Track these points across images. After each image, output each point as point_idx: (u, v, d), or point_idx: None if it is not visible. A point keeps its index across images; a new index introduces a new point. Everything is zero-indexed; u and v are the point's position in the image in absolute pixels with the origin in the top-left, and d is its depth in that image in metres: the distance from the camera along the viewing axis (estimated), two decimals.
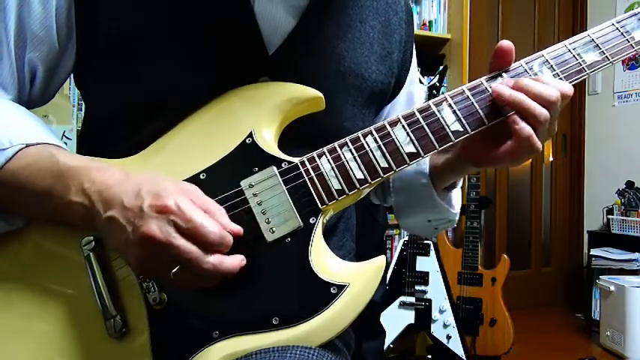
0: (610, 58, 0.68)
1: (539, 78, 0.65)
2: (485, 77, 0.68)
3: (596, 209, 3.55)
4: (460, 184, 0.86)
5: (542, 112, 0.63)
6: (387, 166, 0.64)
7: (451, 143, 0.65)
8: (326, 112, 0.68)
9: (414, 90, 0.88)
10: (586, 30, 0.69)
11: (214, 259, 0.54)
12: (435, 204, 0.82)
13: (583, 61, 0.68)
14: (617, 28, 0.69)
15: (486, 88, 0.67)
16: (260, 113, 0.66)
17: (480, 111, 0.66)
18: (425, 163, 0.81)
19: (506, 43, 0.66)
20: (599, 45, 0.68)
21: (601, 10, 3.58)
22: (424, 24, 2.85)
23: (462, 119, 0.65)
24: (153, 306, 0.60)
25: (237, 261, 0.56)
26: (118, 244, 0.57)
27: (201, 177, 0.63)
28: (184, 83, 0.67)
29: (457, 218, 0.88)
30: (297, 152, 0.65)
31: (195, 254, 0.53)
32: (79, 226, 0.61)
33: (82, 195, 0.58)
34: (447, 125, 0.65)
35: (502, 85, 0.65)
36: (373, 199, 0.96)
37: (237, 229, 0.58)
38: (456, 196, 0.87)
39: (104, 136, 0.72)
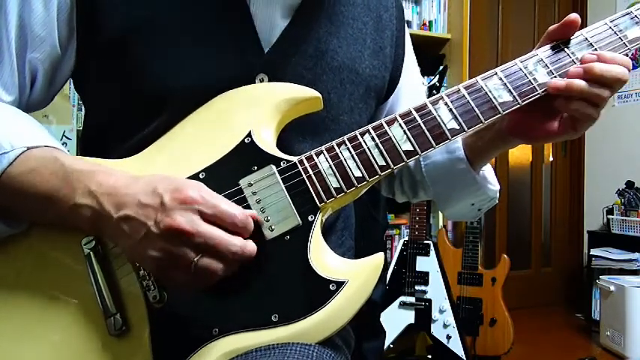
0: None
1: (603, 55, 0.67)
2: (480, 76, 0.68)
3: (596, 209, 3.55)
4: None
5: (605, 93, 0.66)
6: (384, 164, 0.65)
7: (448, 141, 0.66)
8: (324, 106, 0.69)
9: (415, 81, 0.90)
10: None
11: (240, 242, 0.56)
12: (478, 186, 0.83)
13: (577, 59, 0.68)
14: (610, 27, 0.70)
15: (482, 86, 0.68)
16: (258, 113, 0.66)
17: (475, 109, 0.67)
18: (459, 149, 0.81)
19: (574, 16, 0.68)
20: (593, 44, 0.69)
21: (601, 11, 3.58)
22: (424, 24, 2.85)
23: (458, 117, 0.66)
24: (153, 304, 0.60)
25: (254, 245, 0.58)
26: (132, 244, 0.56)
27: (201, 176, 0.64)
28: (182, 83, 0.67)
29: (498, 195, 0.88)
30: (296, 146, 0.66)
31: (223, 237, 0.55)
32: (84, 230, 0.61)
33: (89, 197, 0.58)
34: (444, 123, 0.66)
35: (556, 79, 0.67)
36: (399, 197, 0.96)
37: (254, 212, 0.60)
38: (489, 173, 0.87)
39: (104, 138, 0.72)
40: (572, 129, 0.70)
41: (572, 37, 0.70)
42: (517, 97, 0.67)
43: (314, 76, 0.70)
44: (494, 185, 0.86)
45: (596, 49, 0.69)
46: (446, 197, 0.88)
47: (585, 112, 0.66)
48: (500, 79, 0.68)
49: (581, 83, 0.65)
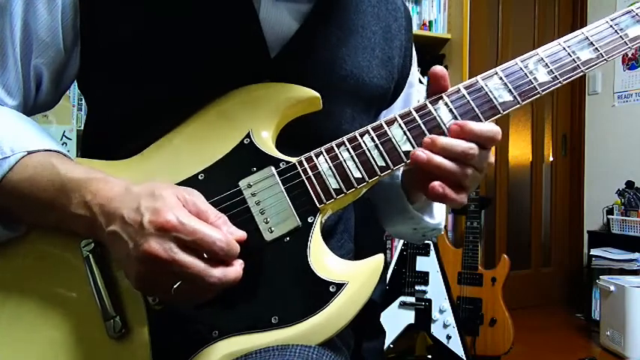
0: (604, 55, 0.68)
1: (465, 125, 0.63)
2: (481, 76, 0.68)
3: (596, 209, 3.55)
4: None
5: (467, 172, 0.62)
6: (384, 164, 0.64)
7: None
8: (326, 115, 0.69)
9: (413, 92, 0.89)
10: None
11: (219, 272, 0.54)
12: (412, 215, 0.82)
13: (578, 58, 0.68)
14: (611, 26, 0.69)
15: (482, 86, 0.67)
16: (258, 114, 0.66)
17: (475, 109, 0.66)
18: (398, 177, 0.82)
19: (439, 68, 0.65)
20: (594, 43, 0.68)
21: (601, 11, 3.57)
22: (424, 24, 2.85)
23: (458, 117, 0.66)
24: (152, 306, 0.60)
25: (239, 269, 0.56)
26: (119, 258, 0.56)
27: (200, 177, 0.64)
28: (186, 86, 0.67)
29: (442, 226, 0.89)
30: (297, 155, 0.65)
31: (200, 268, 0.53)
32: (82, 235, 0.61)
33: (83, 208, 0.58)
34: (444, 123, 0.66)
35: (420, 151, 0.62)
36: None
37: (242, 234, 0.57)
38: (439, 205, 0.86)
39: (108, 138, 0.72)
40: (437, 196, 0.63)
41: (573, 36, 0.69)
42: (517, 97, 0.67)
43: (319, 84, 0.68)
44: (434, 219, 0.86)
45: (597, 48, 0.68)
46: (385, 216, 0.90)
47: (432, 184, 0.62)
48: (501, 78, 0.67)
49: (435, 157, 0.61)
